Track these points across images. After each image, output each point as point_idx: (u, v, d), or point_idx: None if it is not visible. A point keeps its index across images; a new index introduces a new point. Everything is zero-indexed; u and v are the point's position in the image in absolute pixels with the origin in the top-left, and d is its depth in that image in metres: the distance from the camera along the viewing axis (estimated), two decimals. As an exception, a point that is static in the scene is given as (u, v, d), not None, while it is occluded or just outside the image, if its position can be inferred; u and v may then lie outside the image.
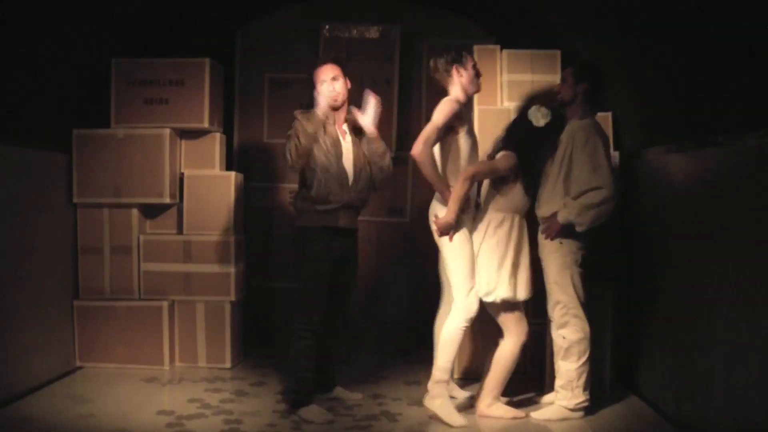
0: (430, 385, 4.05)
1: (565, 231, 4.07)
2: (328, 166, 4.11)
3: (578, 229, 4.03)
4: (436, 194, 4.12)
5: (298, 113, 4.15)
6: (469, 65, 4.17)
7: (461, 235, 4.03)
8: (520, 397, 4.49)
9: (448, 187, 4.04)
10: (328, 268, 4.16)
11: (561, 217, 4.05)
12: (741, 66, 3.25)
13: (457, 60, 4.14)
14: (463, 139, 4.09)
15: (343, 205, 4.16)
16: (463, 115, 4.10)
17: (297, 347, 4.14)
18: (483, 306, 4.08)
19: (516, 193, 4.10)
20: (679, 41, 3.76)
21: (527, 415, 4.17)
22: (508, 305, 4.07)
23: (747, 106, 3.28)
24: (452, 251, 4.03)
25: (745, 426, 3.24)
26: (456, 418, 3.98)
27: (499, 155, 4.13)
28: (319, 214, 4.13)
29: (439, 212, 4.05)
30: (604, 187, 4.01)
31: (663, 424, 4.04)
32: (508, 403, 4.28)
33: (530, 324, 4.17)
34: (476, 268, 4.05)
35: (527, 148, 4.12)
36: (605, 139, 4.19)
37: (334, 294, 4.25)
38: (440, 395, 4.02)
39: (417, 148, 3.97)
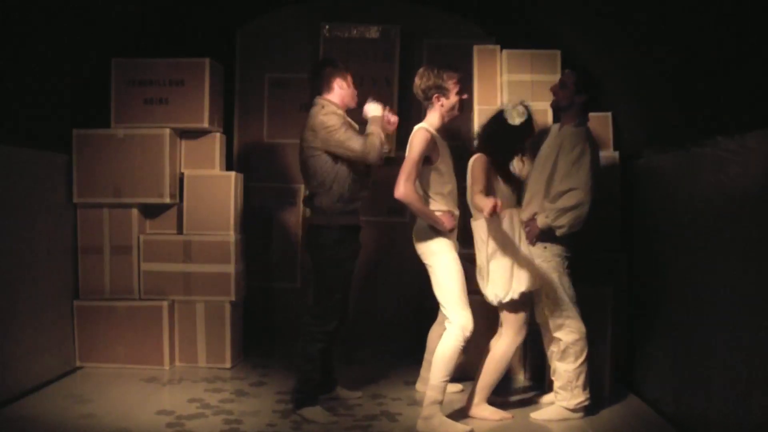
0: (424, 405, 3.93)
1: (548, 235, 4.07)
2: (359, 163, 4.11)
3: (558, 233, 4.04)
4: (419, 221, 4.05)
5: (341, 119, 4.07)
6: (452, 93, 4.01)
7: (451, 256, 3.97)
8: (521, 397, 4.49)
9: (435, 215, 3.95)
10: (352, 268, 4.19)
11: (540, 222, 4.07)
12: (741, 66, 3.25)
13: (440, 90, 4.00)
14: (440, 167, 4.01)
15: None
16: (437, 142, 4.01)
17: (311, 351, 4.09)
18: (480, 306, 4.06)
19: (501, 191, 4.04)
20: (679, 41, 3.75)
21: (513, 417, 4.14)
22: (519, 304, 3.98)
23: (747, 106, 3.28)
24: (444, 274, 3.94)
25: (745, 426, 3.24)
26: (460, 428, 3.90)
27: (470, 164, 4.05)
28: (346, 214, 4.11)
29: (424, 240, 3.99)
30: (579, 188, 4.00)
31: (663, 424, 4.04)
32: (505, 404, 4.27)
33: (532, 324, 4.16)
34: (490, 275, 3.97)
35: (500, 147, 4.06)
36: (595, 148, 4.18)
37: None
38: (434, 415, 3.89)
39: (399, 190, 3.86)
